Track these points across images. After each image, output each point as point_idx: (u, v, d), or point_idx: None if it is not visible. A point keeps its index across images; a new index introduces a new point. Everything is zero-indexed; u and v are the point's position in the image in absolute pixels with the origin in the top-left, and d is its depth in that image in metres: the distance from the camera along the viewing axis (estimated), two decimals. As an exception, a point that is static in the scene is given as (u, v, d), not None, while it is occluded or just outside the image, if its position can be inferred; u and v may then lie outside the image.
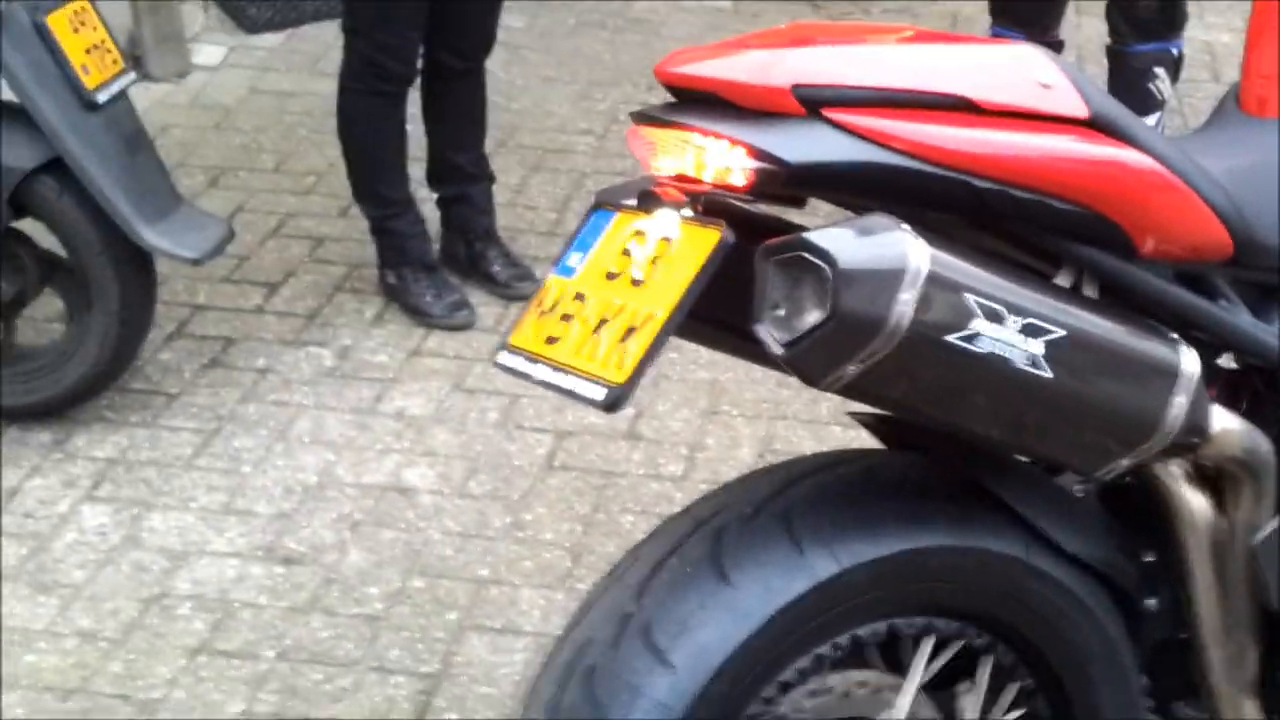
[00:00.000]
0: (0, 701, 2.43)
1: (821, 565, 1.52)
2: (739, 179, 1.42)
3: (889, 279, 1.35)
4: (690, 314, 1.42)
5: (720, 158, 1.43)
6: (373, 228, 3.55)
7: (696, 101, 1.47)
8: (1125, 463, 1.52)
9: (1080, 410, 1.46)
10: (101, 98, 2.81)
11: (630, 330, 1.42)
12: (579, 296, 1.50)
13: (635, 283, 1.45)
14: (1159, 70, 3.74)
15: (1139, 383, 1.48)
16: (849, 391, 1.42)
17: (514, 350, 1.53)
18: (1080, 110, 1.46)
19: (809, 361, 1.37)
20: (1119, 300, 1.54)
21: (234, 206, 4.02)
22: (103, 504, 2.91)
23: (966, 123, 1.43)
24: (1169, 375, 1.49)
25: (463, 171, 3.59)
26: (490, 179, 3.65)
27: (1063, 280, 1.52)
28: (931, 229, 1.44)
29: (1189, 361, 1.50)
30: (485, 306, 3.55)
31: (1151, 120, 3.79)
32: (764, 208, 1.54)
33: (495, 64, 4.61)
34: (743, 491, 1.61)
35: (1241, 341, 1.62)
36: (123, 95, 2.90)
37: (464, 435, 3.12)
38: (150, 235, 2.85)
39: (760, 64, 1.43)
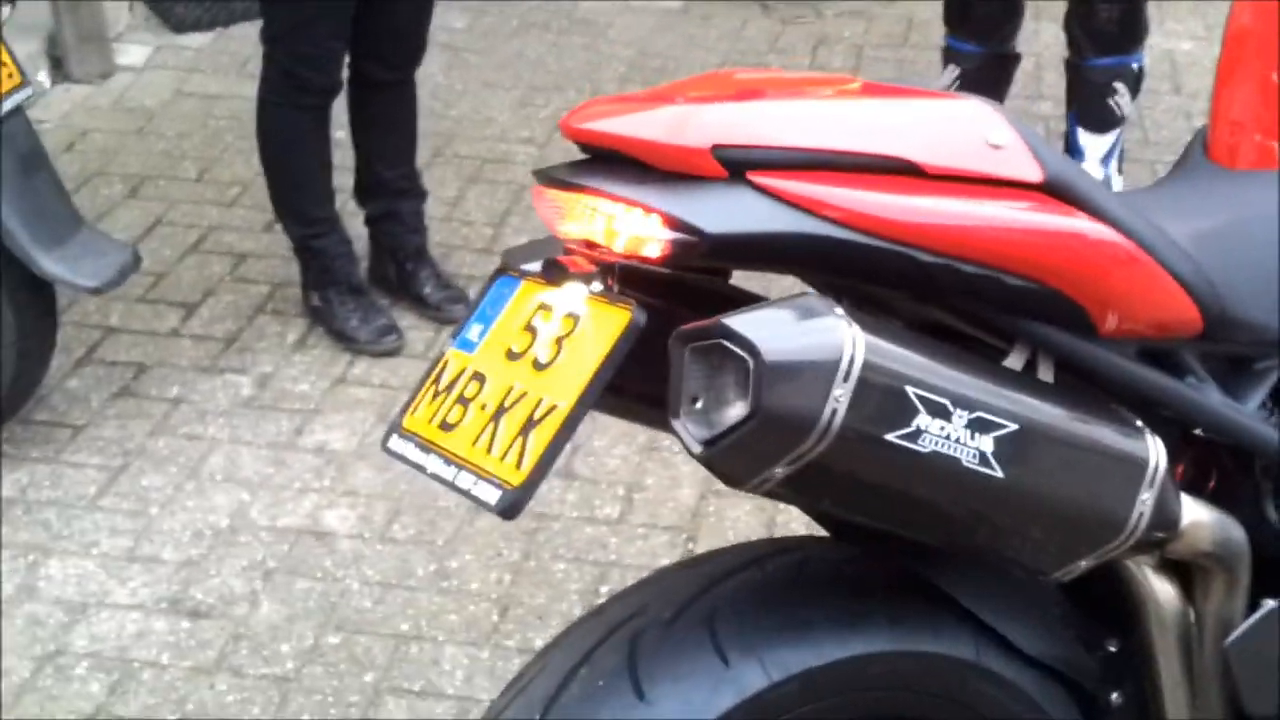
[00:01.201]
0: (-126, 775, 2.25)
1: (749, 677, 1.36)
2: (653, 250, 1.26)
3: (820, 372, 1.19)
4: (607, 387, 1.27)
5: (632, 226, 1.26)
6: (296, 247, 3.36)
7: (607, 160, 1.31)
8: (1086, 564, 1.37)
9: (1036, 511, 1.31)
10: (-8, 115, 2.63)
11: (530, 421, 1.26)
12: (477, 376, 1.34)
13: (538, 365, 1.30)
14: (1119, 85, 3.59)
15: (1101, 479, 1.33)
16: (778, 494, 1.27)
17: (406, 435, 1.37)
18: (1034, 174, 1.30)
19: (730, 463, 1.22)
20: (1078, 381, 1.39)
21: (153, 219, 3.83)
22: (-2, 549, 2.73)
23: (908, 189, 1.27)
24: (1134, 469, 1.34)
25: (391, 187, 3.40)
26: (421, 195, 3.47)
27: (1015, 360, 1.37)
28: (870, 302, 1.30)
29: (1156, 453, 1.35)
30: (415, 330, 3.37)
31: (1111, 137, 3.65)
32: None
33: (434, 67, 4.45)
34: (661, 591, 1.45)
35: (1212, 423, 1.47)
36: (18, 112, 2.71)
37: (388, 473, 2.93)
38: (47, 263, 2.66)
39: (677, 120, 1.27)
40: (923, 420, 1.22)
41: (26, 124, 2.73)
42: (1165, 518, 1.38)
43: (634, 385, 1.33)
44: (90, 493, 2.87)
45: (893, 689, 1.46)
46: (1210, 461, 1.59)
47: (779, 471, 1.21)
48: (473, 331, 1.38)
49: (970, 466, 1.25)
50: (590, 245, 1.31)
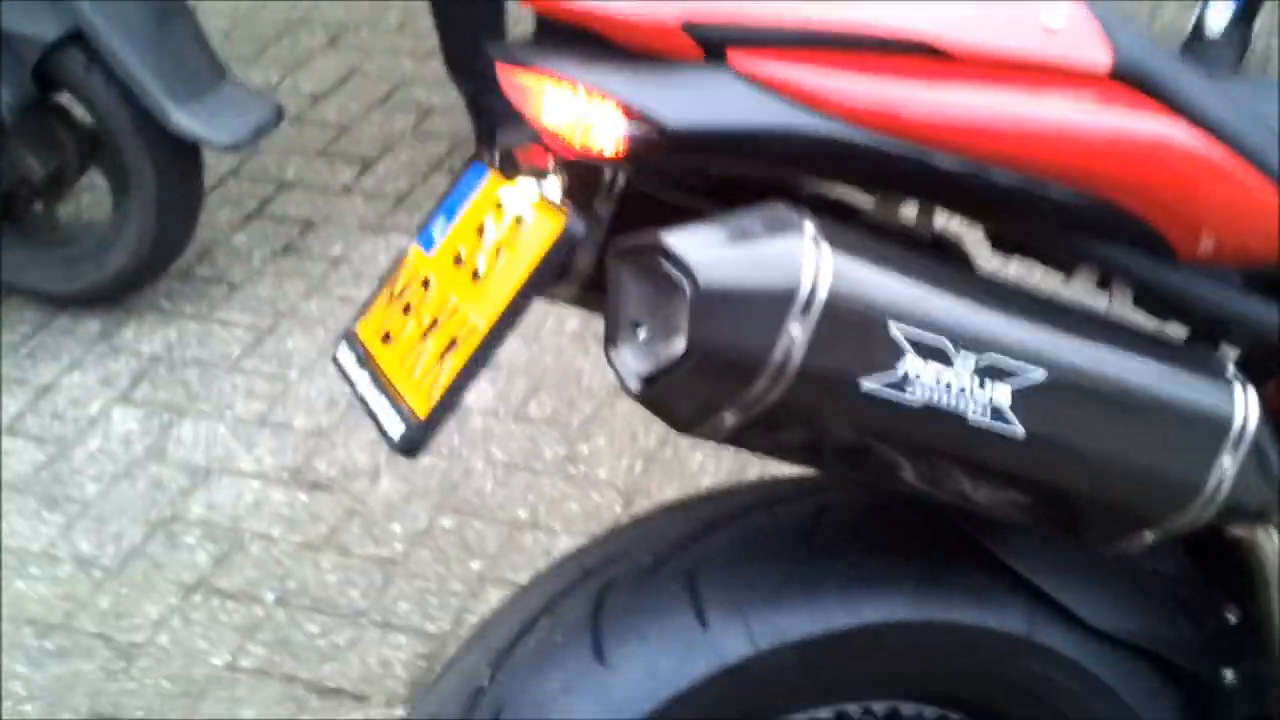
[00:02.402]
0: (-21, 632, 2.25)
1: (730, 643, 1.16)
2: (608, 145, 1.04)
3: (772, 303, 0.96)
4: (595, 284, 1.09)
5: (587, 115, 1.05)
6: (467, 103, 3.22)
7: (573, 37, 1.09)
8: (1150, 537, 1.12)
9: (1071, 477, 1.06)
10: (124, -39, 2.53)
11: (452, 343, 1.08)
12: (426, 281, 1.16)
13: (475, 276, 1.11)
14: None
15: (1164, 440, 1.07)
16: (740, 443, 1.05)
17: (354, 342, 1.21)
18: (1099, 56, 1.04)
19: (669, 405, 1.01)
20: (1160, 308, 1.13)
21: (347, 69, 3.75)
22: (135, 408, 2.69)
23: (929, 75, 1.03)
24: (1212, 428, 1.07)
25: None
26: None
27: (1078, 286, 1.11)
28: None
29: (1245, 408, 1.08)
30: (588, 194, 3.20)
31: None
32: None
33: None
34: (648, 532, 1.25)
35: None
36: (155, -43, 2.61)
37: (535, 346, 2.80)
38: (180, 117, 2.57)
39: (649, -11, 1.04)
40: (912, 364, 0.99)
41: (164, -30, 2.63)
42: (1258, 485, 1.11)
43: None
44: (234, 353, 2.82)
45: (920, 661, 1.24)
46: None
47: (728, 418, 1.00)
48: (436, 226, 1.20)
49: (979, 422, 1.01)
50: (554, 136, 1.11)
